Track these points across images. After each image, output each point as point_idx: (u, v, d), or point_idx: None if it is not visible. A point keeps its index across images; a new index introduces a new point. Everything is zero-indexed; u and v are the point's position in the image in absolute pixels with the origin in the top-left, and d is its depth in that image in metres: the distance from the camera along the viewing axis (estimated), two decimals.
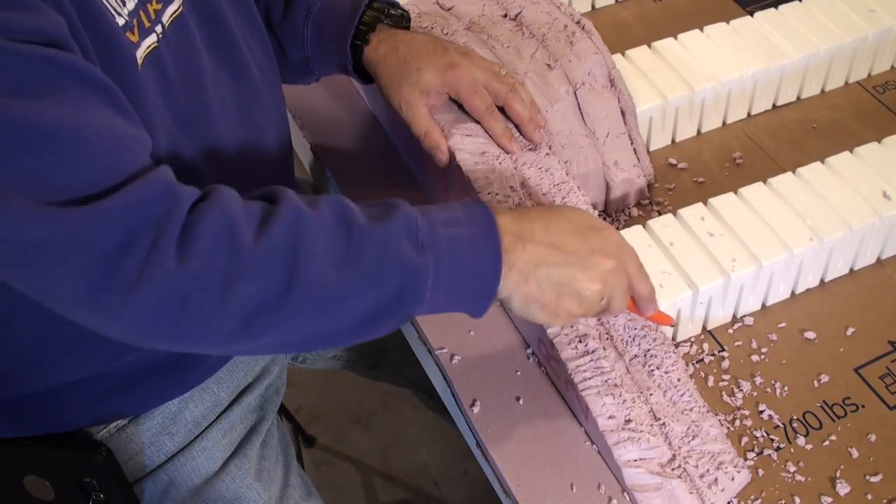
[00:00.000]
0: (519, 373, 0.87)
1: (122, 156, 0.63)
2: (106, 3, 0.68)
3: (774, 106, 1.09)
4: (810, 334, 0.88)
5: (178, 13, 0.77)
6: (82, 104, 0.62)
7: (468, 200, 0.72)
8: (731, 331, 0.89)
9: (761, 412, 0.83)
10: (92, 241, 0.60)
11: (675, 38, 1.07)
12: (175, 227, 0.62)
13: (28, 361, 0.80)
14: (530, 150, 0.89)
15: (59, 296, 0.63)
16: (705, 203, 0.91)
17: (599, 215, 0.95)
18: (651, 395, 0.77)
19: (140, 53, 0.72)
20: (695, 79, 1.02)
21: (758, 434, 0.81)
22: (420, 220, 0.68)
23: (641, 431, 0.75)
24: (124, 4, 0.70)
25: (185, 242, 0.62)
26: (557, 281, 0.70)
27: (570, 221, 0.73)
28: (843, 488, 0.77)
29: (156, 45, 0.73)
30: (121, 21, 0.70)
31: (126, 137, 0.64)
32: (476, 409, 0.84)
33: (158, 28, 0.74)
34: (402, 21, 0.93)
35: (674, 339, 0.88)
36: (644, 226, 0.89)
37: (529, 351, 0.88)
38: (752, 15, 1.10)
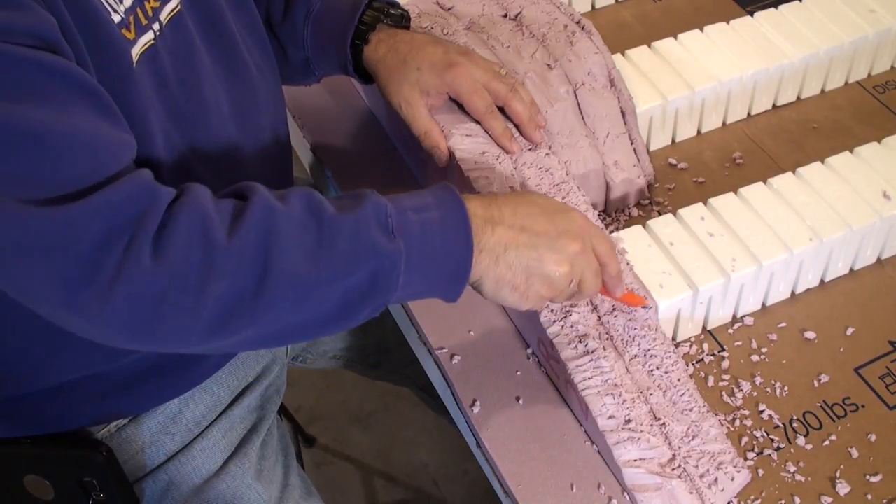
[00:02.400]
0: (519, 373, 0.87)
1: (103, 158, 0.63)
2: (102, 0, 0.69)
3: (774, 106, 1.09)
4: (810, 334, 0.88)
5: (176, 11, 0.77)
6: (66, 107, 0.62)
7: (438, 186, 0.72)
8: (731, 331, 0.89)
9: (761, 412, 0.83)
10: (70, 240, 0.60)
11: (675, 38, 1.07)
12: (152, 226, 0.62)
13: (25, 360, 0.80)
14: (530, 150, 0.89)
15: (38, 296, 0.63)
16: (705, 203, 0.91)
17: (599, 215, 0.95)
18: (651, 395, 0.77)
19: (136, 51, 0.72)
20: (695, 79, 1.02)
21: (758, 434, 0.81)
22: (389, 207, 0.68)
23: (641, 431, 0.75)
24: (121, 1, 0.70)
25: (160, 241, 0.62)
26: (527, 263, 0.71)
27: (537, 205, 0.74)
28: (843, 488, 0.77)
29: (152, 42, 0.73)
30: (116, 18, 0.70)
31: (108, 140, 0.65)
32: (476, 409, 0.84)
33: (156, 26, 0.74)
34: (402, 21, 0.93)
35: (674, 339, 0.88)
36: (644, 226, 0.89)
37: (529, 351, 0.88)
38: (752, 15, 1.10)
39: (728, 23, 1.08)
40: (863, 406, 0.83)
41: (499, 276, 0.71)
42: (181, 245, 0.62)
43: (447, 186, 0.72)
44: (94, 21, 0.67)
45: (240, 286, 0.64)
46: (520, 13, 0.99)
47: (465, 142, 0.88)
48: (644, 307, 0.81)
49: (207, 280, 0.63)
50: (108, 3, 0.69)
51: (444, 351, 0.88)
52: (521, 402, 0.84)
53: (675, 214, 0.90)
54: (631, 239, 0.88)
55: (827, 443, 0.80)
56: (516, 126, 0.89)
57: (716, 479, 0.75)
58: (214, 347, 0.67)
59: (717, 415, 0.82)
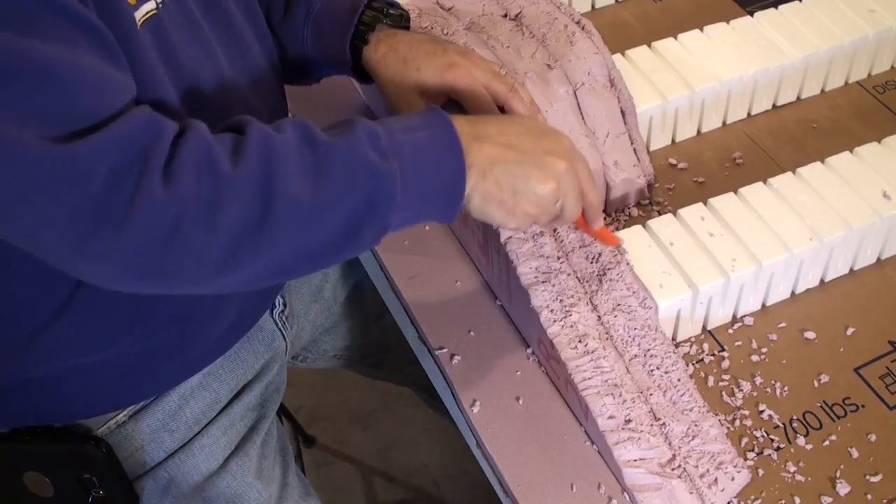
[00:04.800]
0: (519, 373, 0.87)
1: (108, 95, 0.64)
2: None
3: (774, 106, 1.09)
4: (810, 334, 0.88)
5: None
6: (72, 44, 0.63)
7: (426, 108, 0.74)
8: (731, 331, 0.89)
9: (761, 412, 0.83)
10: (82, 177, 0.60)
11: (675, 38, 1.07)
12: (160, 157, 0.63)
13: (5, 345, 0.79)
14: None
15: (48, 238, 0.62)
16: (705, 203, 0.91)
17: None
18: (651, 395, 0.77)
19: (137, 16, 0.72)
20: (695, 79, 1.02)
21: (758, 434, 0.81)
22: (380, 130, 0.69)
23: (641, 431, 0.75)
24: None
25: (169, 172, 0.63)
26: (514, 179, 0.72)
27: (523, 125, 0.76)
28: (843, 488, 0.77)
29: (154, 12, 0.74)
30: None
31: (113, 79, 0.65)
32: (476, 409, 0.84)
33: None
34: (402, 21, 0.92)
35: (674, 339, 0.88)
36: (644, 226, 0.89)
37: (529, 351, 0.88)
38: (752, 15, 1.10)
39: (728, 23, 1.08)
40: (863, 406, 0.83)
41: (486, 192, 0.72)
42: (191, 175, 0.63)
43: (434, 108, 0.73)
44: None
45: (246, 214, 0.64)
46: (520, 13, 0.99)
47: None
48: (617, 246, 0.83)
49: (217, 208, 0.64)
50: None
51: (444, 351, 0.88)
52: (521, 402, 0.84)
53: (675, 214, 0.90)
54: (631, 239, 0.88)
55: (827, 443, 0.81)
56: None
57: (716, 479, 0.75)
58: (224, 284, 0.67)
59: (717, 415, 0.82)
